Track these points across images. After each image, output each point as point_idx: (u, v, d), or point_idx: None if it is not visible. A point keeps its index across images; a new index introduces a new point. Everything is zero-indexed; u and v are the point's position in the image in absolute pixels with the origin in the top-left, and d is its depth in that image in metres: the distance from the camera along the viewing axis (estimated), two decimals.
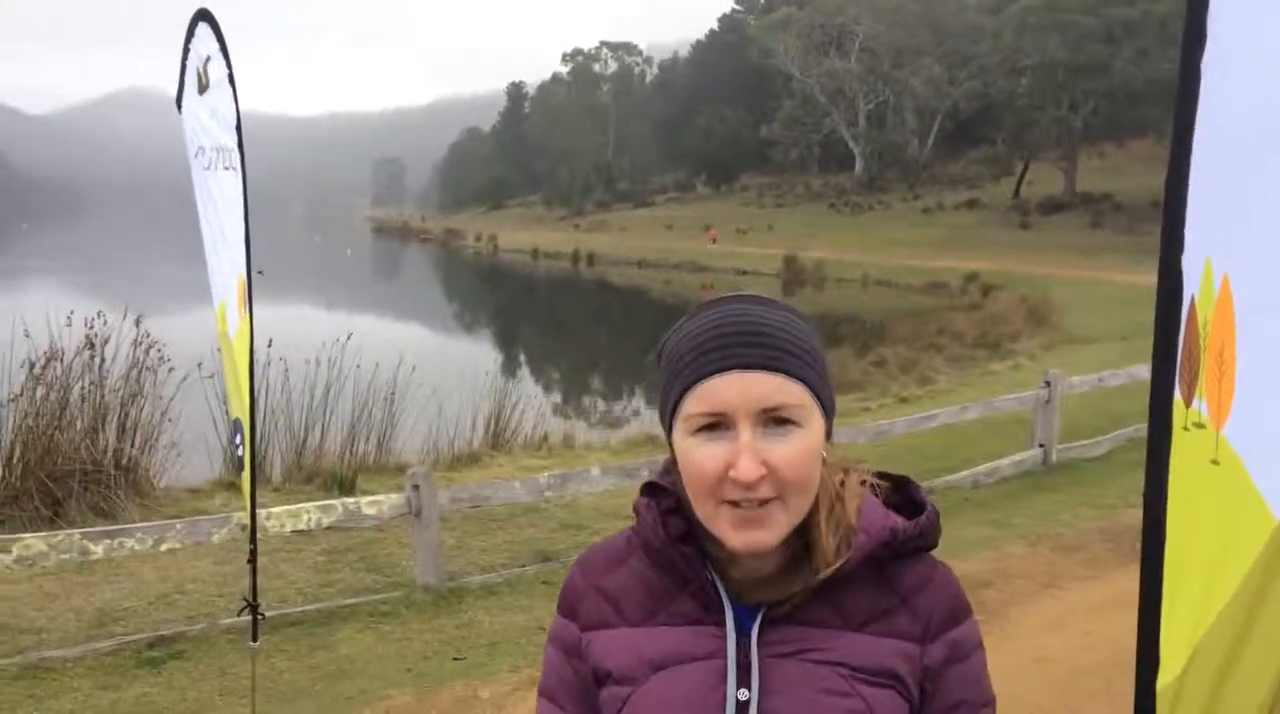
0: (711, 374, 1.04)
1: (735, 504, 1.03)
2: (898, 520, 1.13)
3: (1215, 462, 1.19)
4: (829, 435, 1.11)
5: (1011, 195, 60.32)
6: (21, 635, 5.10)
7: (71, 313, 7.92)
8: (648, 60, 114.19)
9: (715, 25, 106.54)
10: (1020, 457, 8.49)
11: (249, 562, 4.17)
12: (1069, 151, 56.87)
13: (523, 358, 26.07)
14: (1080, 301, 26.53)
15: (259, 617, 4.18)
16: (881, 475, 1.21)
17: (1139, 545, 1.31)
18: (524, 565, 6.27)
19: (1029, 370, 14.88)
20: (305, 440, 9.35)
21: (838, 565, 1.07)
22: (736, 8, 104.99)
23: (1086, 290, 29.56)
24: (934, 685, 1.12)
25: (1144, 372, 8.06)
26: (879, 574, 1.12)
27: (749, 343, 1.05)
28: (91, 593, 5.81)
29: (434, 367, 12.57)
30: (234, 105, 3.63)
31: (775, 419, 1.03)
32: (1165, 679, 1.30)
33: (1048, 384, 8.58)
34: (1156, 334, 1.32)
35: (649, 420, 13.32)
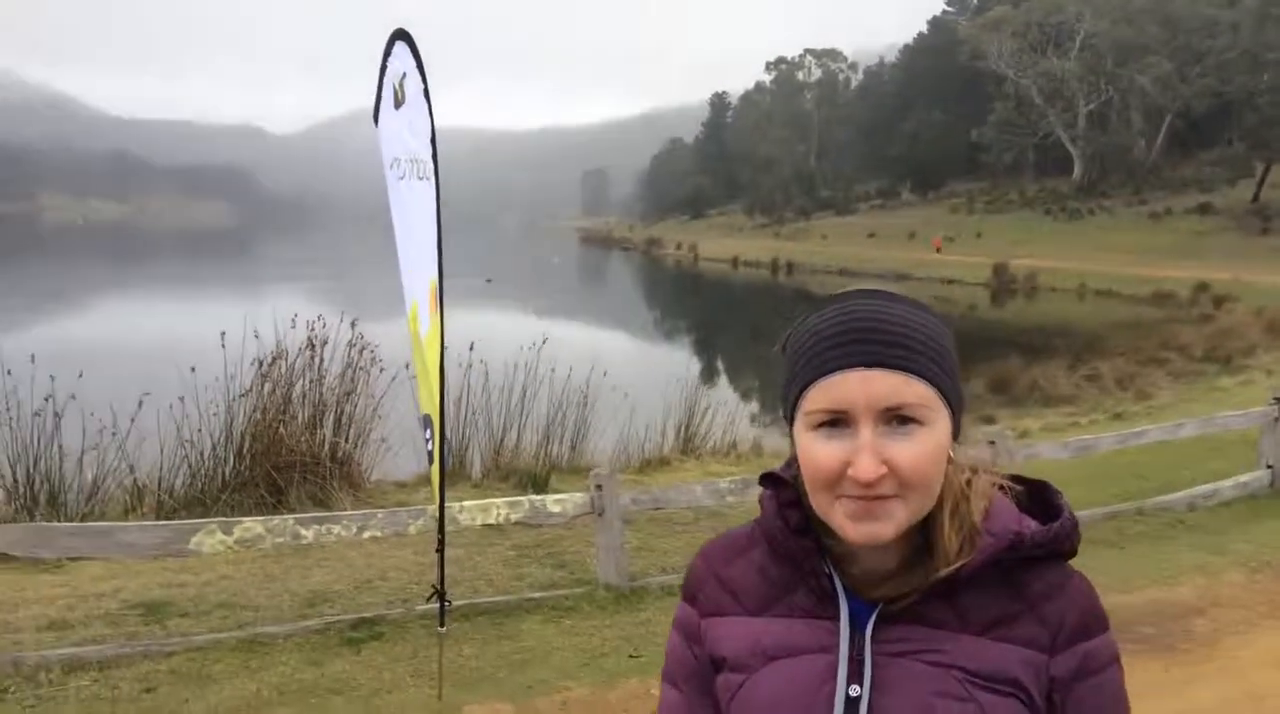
0: (833, 371, 1.04)
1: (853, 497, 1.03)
2: (1030, 524, 1.10)
3: None
4: (957, 434, 1.09)
5: (1250, 199, 55.74)
6: (242, 611, 5.56)
7: (296, 316, 8.57)
8: (853, 66, 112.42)
9: (924, 28, 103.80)
10: (1245, 478, 7.85)
11: (436, 551, 4.42)
12: None
13: (720, 365, 26.18)
14: None
15: (445, 603, 4.41)
16: (1017, 479, 1.17)
17: None
18: None
19: (1262, 386, 13.73)
20: (503, 440, 9.74)
21: (958, 566, 1.05)
22: (947, 9, 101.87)
23: None
24: (1062, 698, 1.07)
25: None
26: (1006, 579, 1.08)
27: (872, 340, 1.03)
28: (306, 575, 6.27)
29: (629, 371, 12.85)
30: (429, 119, 3.86)
31: (898, 417, 1.02)
32: None
33: (1277, 400, 7.90)
34: None
35: None
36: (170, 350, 9.35)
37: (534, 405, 10.02)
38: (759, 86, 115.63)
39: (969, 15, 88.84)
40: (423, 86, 3.82)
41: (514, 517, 5.71)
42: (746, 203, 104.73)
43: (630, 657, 4.94)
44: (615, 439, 10.43)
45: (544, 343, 9.91)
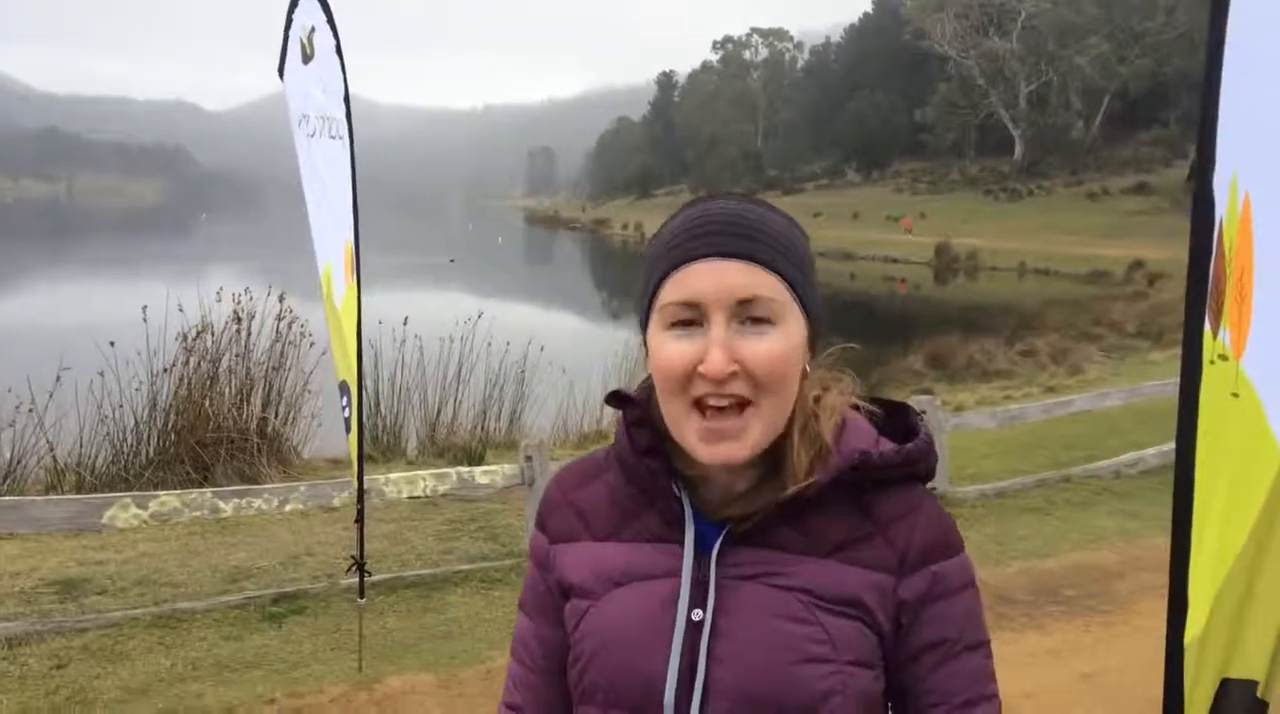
0: (687, 261, 1.01)
1: (705, 410, 1.00)
2: (886, 446, 1.07)
3: (1235, 395, 1.09)
4: (814, 347, 1.07)
5: (1185, 179, 56.89)
6: (161, 588, 5.43)
7: (221, 289, 8.37)
8: (798, 46, 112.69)
9: (869, 8, 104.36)
10: (1168, 447, 7.95)
11: (355, 521, 4.34)
12: None
13: None
14: None
15: (365, 574, 4.34)
16: (877, 401, 1.14)
17: None
18: None
19: None
20: (438, 416, 9.64)
21: (804, 485, 1.02)
22: None
23: None
24: (910, 621, 1.05)
25: None
26: (856, 502, 1.06)
27: (726, 232, 1.01)
28: (229, 552, 6.14)
29: (568, 348, 12.75)
30: (342, 76, 3.75)
31: (751, 318, 1.00)
32: (1192, 633, 1.20)
33: None
34: (1190, 263, 1.22)
35: None
36: (91, 327, 9.10)
37: (470, 381, 9.93)
38: (706, 66, 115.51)
39: None
40: (334, 43, 3.71)
41: (441, 489, 5.64)
42: (693, 182, 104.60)
43: None
44: (554, 414, 10.37)
45: (479, 317, 9.80)
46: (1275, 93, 1.03)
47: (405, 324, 9.24)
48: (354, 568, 4.35)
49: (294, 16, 3.79)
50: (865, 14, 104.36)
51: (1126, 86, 65.73)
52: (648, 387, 1.11)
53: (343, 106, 3.72)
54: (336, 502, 5.32)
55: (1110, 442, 8.58)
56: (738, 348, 0.98)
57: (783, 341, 1.00)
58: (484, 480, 5.75)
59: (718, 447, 1.00)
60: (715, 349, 0.98)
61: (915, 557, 1.05)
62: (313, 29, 3.69)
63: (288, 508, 5.26)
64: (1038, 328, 22.27)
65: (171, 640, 4.67)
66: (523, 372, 10.11)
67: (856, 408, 1.11)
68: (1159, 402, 8.65)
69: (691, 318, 1.00)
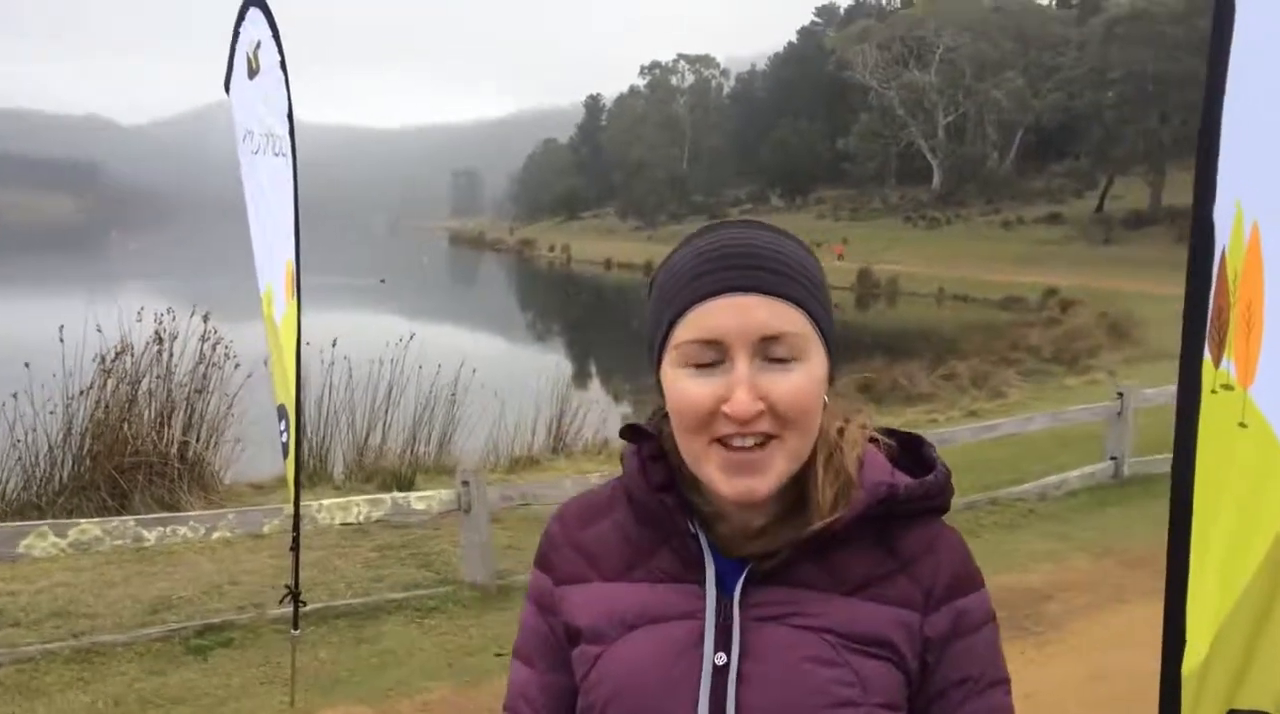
0: (705, 298, 0.96)
1: (728, 445, 0.95)
2: (902, 478, 1.04)
3: (1243, 425, 1.09)
4: (832, 378, 1.03)
5: (1095, 210, 58.88)
6: (78, 620, 5.20)
7: (142, 309, 8.11)
8: (724, 73, 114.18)
9: (794, 38, 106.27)
10: (1090, 469, 8.20)
11: (291, 549, 4.20)
12: (1156, 165, 55.19)
13: (591, 366, 26.08)
14: (1165, 318, 25.63)
15: (300, 604, 4.20)
16: (889, 432, 1.11)
17: None
18: None
19: (1106, 385, 14.43)
20: (367, 440, 9.44)
21: (830, 520, 0.98)
22: (815, 20, 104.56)
23: (1172, 306, 28.27)
24: (936, 658, 1.02)
25: None
26: (878, 536, 1.03)
27: (747, 265, 0.97)
28: (149, 582, 5.91)
29: (498, 372, 12.64)
30: (286, 92, 3.66)
31: (775, 356, 0.95)
32: (1191, 663, 1.20)
33: (1120, 396, 8.30)
34: (1187, 292, 1.22)
35: None
36: (3, 347, 8.74)
37: (400, 404, 9.75)
38: (633, 90, 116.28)
39: (836, 27, 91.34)
40: (279, 58, 3.61)
41: (375, 515, 5.51)
42: (620, 206, 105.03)
43: (496, 655, 4.79)
44: (484, 438, 10.22)
45: (411, 339, 9.64)
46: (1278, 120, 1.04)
47: (334, 346, 9.05)
48: (288, 597, 4.21)
49: (241, 30, 3.68)
50: (790, 44, 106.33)
51: (1040, 119, 67.80)
52: (659, 419, 1.07)
53: (286, 123, 3.62)
54: (266, 529, 5.14)
55: (1034, 465, 8.76)
56: (763, 386, 0.94)
57: (807, 377, 0.96)
58: (419, 506, 5.62)
59: (741, 480, 0.96)
60: (741, 390, 0.94)
61: (940, 592, 1.02)
62: (259, 43, 3.58)
63: (215, 536, 5.07)
64: (958, 353, 22.73)
65: (91, 675, 4.47)
66: (453, 395, 9.97)
67: (872, 441, 1.08)
68: (1080, 426, 8.88)
69: (711, 357, 0.96)
